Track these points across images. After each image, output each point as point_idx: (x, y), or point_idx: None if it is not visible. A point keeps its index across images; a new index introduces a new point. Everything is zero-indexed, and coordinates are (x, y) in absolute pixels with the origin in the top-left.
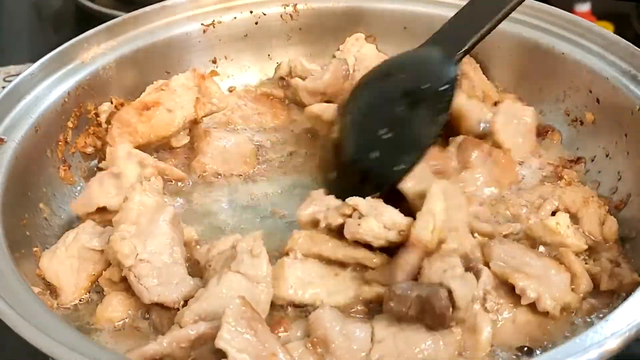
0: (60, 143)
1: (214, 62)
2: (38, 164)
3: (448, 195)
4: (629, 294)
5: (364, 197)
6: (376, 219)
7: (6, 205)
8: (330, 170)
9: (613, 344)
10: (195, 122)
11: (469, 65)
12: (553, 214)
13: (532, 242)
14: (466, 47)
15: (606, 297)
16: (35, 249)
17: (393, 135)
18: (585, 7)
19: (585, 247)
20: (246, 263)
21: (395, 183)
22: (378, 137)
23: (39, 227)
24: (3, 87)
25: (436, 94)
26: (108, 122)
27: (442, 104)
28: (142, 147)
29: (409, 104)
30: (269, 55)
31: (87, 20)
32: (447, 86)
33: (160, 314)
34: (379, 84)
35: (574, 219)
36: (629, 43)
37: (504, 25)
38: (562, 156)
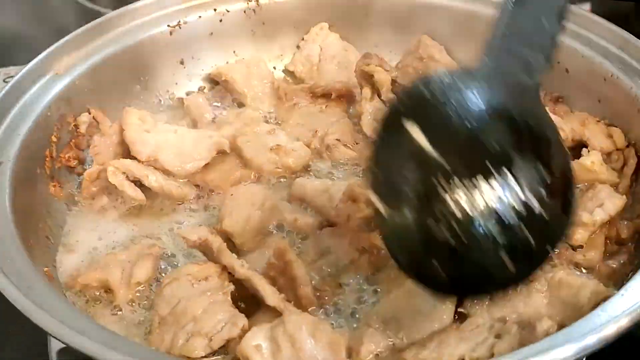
0: (47, 159)
1: (182, 63)
2: (31, 183)
3: None
4: None
5: None
6: None
7: (17, 230)
8: None
9: (611, 329)
10: None
11: None
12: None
13: None
14: None
15: None
16: (45, 269)
17: None
18: (584, 7)
19: (618, 180)
20: None
21: None
22: None
23: (43, 247)
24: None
25: None
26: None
27: None
28: None
29: None
30: (234, 51)
31: (87, 20)
32: None
33: None
34: None
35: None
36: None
37: None
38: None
